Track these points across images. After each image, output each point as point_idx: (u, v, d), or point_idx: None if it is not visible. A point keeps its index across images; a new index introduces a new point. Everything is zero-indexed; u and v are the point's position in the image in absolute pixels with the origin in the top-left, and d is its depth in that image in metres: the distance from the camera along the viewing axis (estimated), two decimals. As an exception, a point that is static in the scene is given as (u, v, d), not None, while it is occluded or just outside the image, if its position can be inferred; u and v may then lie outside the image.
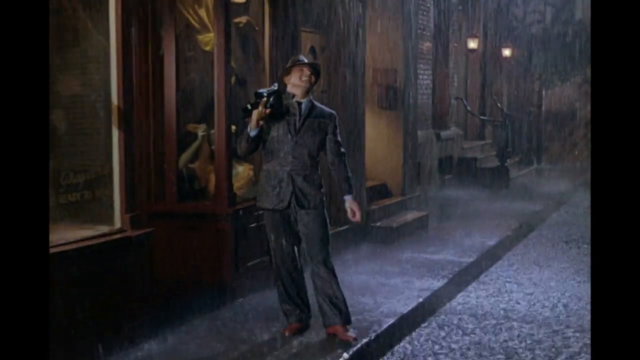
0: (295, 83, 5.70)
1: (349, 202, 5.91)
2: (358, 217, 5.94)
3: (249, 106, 5.58)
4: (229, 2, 6.61)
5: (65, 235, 5.12)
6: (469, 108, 16.01)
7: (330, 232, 8.15)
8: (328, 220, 5.90)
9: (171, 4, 6.56)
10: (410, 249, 9.35)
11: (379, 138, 10.38)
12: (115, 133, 5.47)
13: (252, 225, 6.91)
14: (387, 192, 10.72)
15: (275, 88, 5.68)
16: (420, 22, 11.62)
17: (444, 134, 14.17)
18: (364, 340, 5.91)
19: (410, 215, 10.53)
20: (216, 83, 6.61)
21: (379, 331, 6.20)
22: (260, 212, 6.04)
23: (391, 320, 6.48)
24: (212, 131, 6.87)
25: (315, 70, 5.80)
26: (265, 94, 5.55)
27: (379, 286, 7.62)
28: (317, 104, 5.88)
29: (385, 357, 6.04)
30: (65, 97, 5.53)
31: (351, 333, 5.83)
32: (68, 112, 5.47)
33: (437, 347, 6.28)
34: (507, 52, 17.88)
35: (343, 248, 8.82)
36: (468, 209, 12.53)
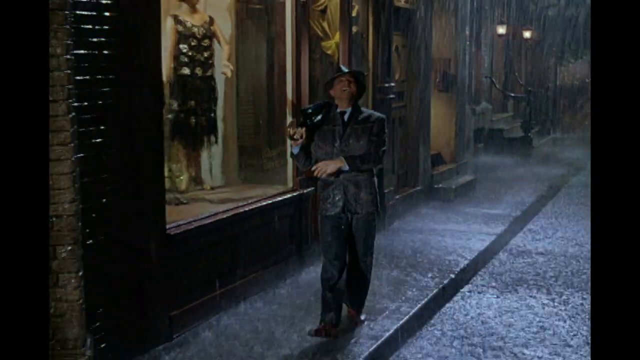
0: (337, 94, 5.83)
1: (331, 161, 5.78)
2: (318, 171, 5.81)
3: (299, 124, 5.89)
4: (350, 15, 8.77)
5: (265, 192, 7.37)
6: (497, 86, 18.19)
7: (401, 195, 10.50)
8: (376, 223, 6.08)
9: (306, 19, 8.70)
10: (468, 205, 11.61)
11: (436, 115, 12.53)
12: (289, 119, 7.68)
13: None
14: (442, 160, 12.93)
15: (321, 103, 5.95)
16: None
17: (477, 108, 16.34)
18: (460, 267, 8.18)
19: (463, 179, 12.77)
20: (341, 78, 8.78)
21: (468, 261, 8.46)
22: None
23: (474, 255, 8.75)
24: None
25: (357, 78, 5.90)
26: (310, 110, 5.87)
27: (453, 232, 9.86)
28: (365, 110, 5.99)
29: (473, 279, 8.28)
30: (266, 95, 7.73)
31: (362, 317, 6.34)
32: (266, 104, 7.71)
33: (506, 270, 8.57)
34: (527, 34, 20.04)
35: (416, 205, 11.08)
36: (503, 173, 14.75)
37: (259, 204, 7.10)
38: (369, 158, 5.80)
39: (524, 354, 6.16)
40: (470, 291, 7.84)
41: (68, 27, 4.56)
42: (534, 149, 17.79)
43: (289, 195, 7.55)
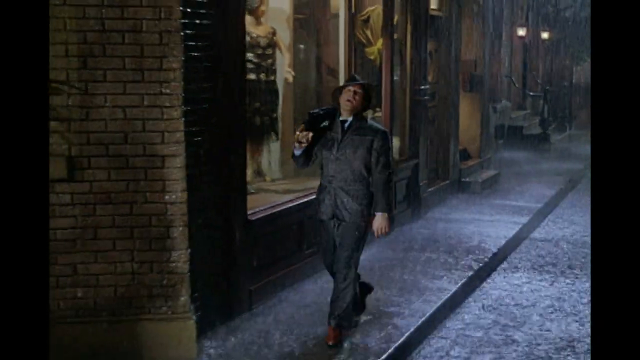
0: (341, 103, 5.88)
1: (377, 221, 5.91)
2: (381, 233, 5.97)
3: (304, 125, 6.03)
4: (392, 26, 9.69)
5: (307, 186, 8.30)
6: (517, 85, 19.08)
7: (433, 187, 11.42)
8: (363, 235, 6.01)
9: (353, 29, 9.63)
10: (494, 197, 12.54)
11: (462, 114, 13.43)
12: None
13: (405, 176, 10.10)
14: (468, 155, 13.85)
15: (330, 108, 6.08)
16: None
17: (498, 106, 17.23)
18: (492, 252, 9.10)
19: (488, 173, 13.70)
20: (384, 79, 9.72)
21: (499, 247, 9.38)
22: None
23: (503, 241, 9.68)
24: (377, 114, 9.98)
25: (365, 90, 5.91)
26: (315, 114, 6.08)
27: (482, 221, 10.78)
28: (367, 121, 5.99)
29: (504, 262, 9.20)
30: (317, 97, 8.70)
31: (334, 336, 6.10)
32: (318, 105, 8.65)
33: (532, 255, 9.51)
34: (545, 35, 20.92)
35: (447, 196, 12.02)
36: (524, 168, 15.65)
37: (317, 194, 8.05)
38: (385, 187, 5.87)
39: (550, 322, 7.11)
40: (502, 272, 8.77)
41: (183, 46, 5.50)
42: (551, 145, 18.66)
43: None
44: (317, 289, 7.40)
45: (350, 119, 5.87)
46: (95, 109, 5.41)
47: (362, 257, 8.13)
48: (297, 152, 5.91)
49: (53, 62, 5.25)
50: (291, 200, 7.60)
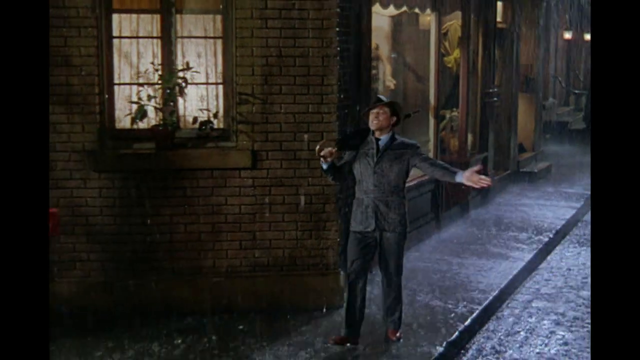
0: (370, 124, 6.35)
1: (466, 176, 6.13)
2: (483, 182, 6.11)
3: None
4: (469, 38, 11.43)
5: (414, 173, 10.09)
6: (563, 84, 20.72)
7: (497, 177, 13.15)
8: (404, 240, 6.44)
9: (440, 43, 11.31)
10: (550, 186, 14.26)
11: (519, 112, 15.13)
12: (431, 120, 10.40)
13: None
14: (524, 149, 15.55)
15: (360, 129, 6.68)
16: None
17: (546, 103, 18.87)
18: (555, 230, 10.83)
19: (541, 165, 15.41)
20: (461, 84, 11.46)
21: (560, 226, 11.11)
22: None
23: (563, 222, 11.41)
24: (454, 114, 11.73)
25: (392, 108, 6.34)
26: (348, 133, 6.93)
27: (542, 205, 12.53)
28: (399, 137, 6.42)
29: (562, 243, 10.90)
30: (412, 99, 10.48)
31: (398, 334, 6.58)
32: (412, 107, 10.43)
33: (587, 233, 11.20)
34: (588, 37, 22.48)
35: (508, 185, 13.77)
36: (571, 160, 17.30)
37: (414, 182, 9.82)
38: (442, 163, 6.54)
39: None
40: (564, 247, 10.51)
41: (338, 67, 7.29)
42: (595, 139, 20.21)
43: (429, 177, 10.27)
44: (415, 257, 9.21)
45: (384, 136, 6.32)
46: (272, 115, 7.21)
47: (452, 233, 9.98)
48: (325, 166, 6.32)
49: (242, 79, 7.10)
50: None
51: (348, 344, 6.44)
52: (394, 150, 6.28)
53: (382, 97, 6.60)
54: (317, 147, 6.32)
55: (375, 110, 6.29)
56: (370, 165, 6.28)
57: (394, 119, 6.34)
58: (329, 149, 6.23)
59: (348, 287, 6.51)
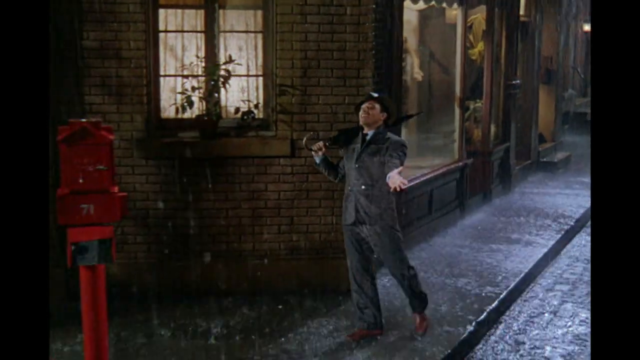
0: (360, 120, 6.40)
1: (390, 175, 5.94)
2: (399, 184, 5.78)
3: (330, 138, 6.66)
4: (493, 32, 11.76)
5: (442, 162, 10.46)
6: (582, 76, 20.97)
7: (518, 166, 13.52)
8: (395, 234, 6.34)
9: (466, 37, 11.64)
10: (569, 175, 14.60)
11: (540, 103, 15.45)
12: (457, 110, 10.76)
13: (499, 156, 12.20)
14: (544, 139, 15.87)
15: (355, 127, 6.54)
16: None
17: (565, 95, 19.15)
18: (576, 217, 11.17)
19: (561, 155, 15.73)
20: (485, 76, 11.80)
21: (580, 214, 11.46)
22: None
23: (583, 210, 11.75)
24: (477, 104, 12.07)
25: (382, 104, 6.36)
26: (342, 130, 6.69)
27: (562, 194, 12.85)
28: (386, 134, 6.36)
29: (582, 230, 11.24)
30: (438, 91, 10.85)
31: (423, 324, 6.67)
32: (439, 98, 10.79)
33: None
34: (606, 29, 22.68)
35: (529, 174, 14.12)
36: (590, 150, 17.57)
37: (440, 170, 10.21)
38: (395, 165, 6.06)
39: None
40: (584, 234, 10.85)
41: (373, 60, 7.65)
42: (613, 130, 20.46)
43: (455, 165, 10.64)
44: (441, 242, 9.59)
45: (371, 132, 6.35)
46: (311, 106, 7.59)
47: (476, 220, 10.30)
48: (317, 160, 6.59)
49: (281, 72, 7.49)
50: (423, 175, 9.74)
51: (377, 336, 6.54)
52: (377, 144, 6.29)
53: (373, 93, 6.65)
54: (304, 140, 6.64)
55: (365, 106, 6.37)
56: (353, 158, 6.37)
57: (385, 114, 6.37)
58: (319, 143, 6.46)
59: (356, 286, 6.54)
